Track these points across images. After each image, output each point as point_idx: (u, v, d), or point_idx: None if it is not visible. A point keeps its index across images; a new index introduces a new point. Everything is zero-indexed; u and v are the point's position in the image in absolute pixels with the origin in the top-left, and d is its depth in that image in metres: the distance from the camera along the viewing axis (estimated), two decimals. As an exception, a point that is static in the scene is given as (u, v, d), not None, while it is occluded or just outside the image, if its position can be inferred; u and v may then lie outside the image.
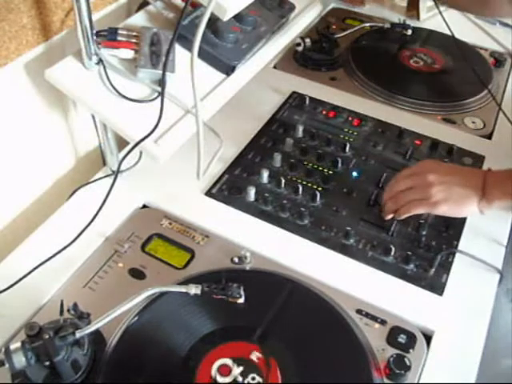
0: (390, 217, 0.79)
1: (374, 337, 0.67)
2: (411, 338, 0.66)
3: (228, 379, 0.61)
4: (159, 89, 0.73)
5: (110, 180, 0.78)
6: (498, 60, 1.17)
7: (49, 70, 0.73)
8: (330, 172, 0.88)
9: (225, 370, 0.62)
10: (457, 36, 1.15)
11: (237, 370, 0.62)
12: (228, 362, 0.62)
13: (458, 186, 0.75)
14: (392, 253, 0.76)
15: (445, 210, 0.76)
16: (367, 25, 1.25)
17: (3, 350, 0.54)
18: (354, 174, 0.89)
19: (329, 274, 0.73)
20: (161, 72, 0.71)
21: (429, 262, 0.75)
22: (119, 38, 0.77)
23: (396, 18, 1.28)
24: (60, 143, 0.88)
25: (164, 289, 0.64)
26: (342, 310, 0.69)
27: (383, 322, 0.68)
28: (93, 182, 0.84)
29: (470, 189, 0.74)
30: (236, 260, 0.74)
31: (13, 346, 0.54)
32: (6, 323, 0.66)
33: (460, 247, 0.78)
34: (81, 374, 0.60)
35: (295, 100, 1.04)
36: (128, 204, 0.81)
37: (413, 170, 0.80)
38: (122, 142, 0.81)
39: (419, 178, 0.77)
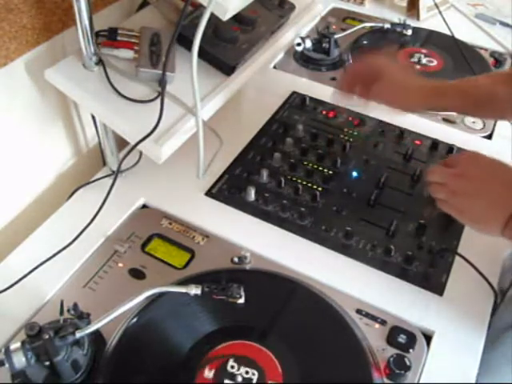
0: None
1: (373, 337, 0.67)
2: (411, 338, 0.66)
3: (228, 379, 0.61)
4: (159, 89, 0.73)
5: (109, 180, 0.77)
6: (498, 60, 1.18)
7: (49, 70, 0.73)
8: (330, 172, 0.88)
9: (224, 372, 0.62)
10: (457, 36, 1.15)
11: (237, 370, 0.62)
12: (227, 362, 0.62)
13: (482, 202, 0.65)
14: (392, 253, 0.76)
15: (466, 223, 0.69)
16: (367, 25, 1.25)
17: (3, 350, 0.54)
18: (354, 174, 0.89)
19: (329, 274, 0.73)
20: (161, 72, 0.71)
21: (429, 262, 0.75)
22: (119, 38, 0.77)
23: (396, 17, 1.28)
24: (60, 143, 0.88)
25: (164, 289, 0.64)
26: (342, 310, 0.69)
27: (383, 322, 0.68)
28: (93, 181, 0.84)
29: (495, 211, 0.64)
30: (236, 260, 0.74)
31: (13, 346, 0.54)
32: (6, 323, 0.66)
33: (460, 247, 0.78)
34: (81, 374, 0.60)
35: (295, 100, 1.04)
36: (128, 204, 0.81)
37: (453, 162, 0.70)
38: (122, 142, 0.81)
39: (452, 178, 0.69)
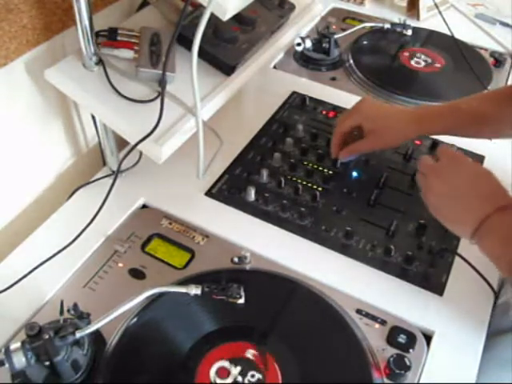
0: None
1: (373, 337, 0.67)
2: (411, 338, 0.66)
3: (228, 380, 0.61)
4: (159, 89, 0.73)
5: (109, 180, 0.77)
6: (498, 60, 1.18)
7: (49, 69, 0.73)
8: (330, 172, 0.88)
9: (224, 372, 0.62)
10: (457, 36, 1.15)
11: (236, 370, 0.62)
12: (227, 363, 0.62)
13: (455, 205, 0.66)
14: (392, 253, 0.76)
15: (439, 220, 0.69)
16: (367, 25, 1.25)
17: (3, 350, 0.54)
18: (354, 174, 0.89)
19: (329, 274, 0.73)
20: (161, 72, 0.71)
21: (429, 262, 0.75)
22: (119, 38, 0.77)
23: (396, 17, 1.28)
24: (60, 143, 0.88)
25: (164, 289, 0.64)
26: (342, 309, 0.69)
27: (383, 322, 0.68)
28: (93, 181, 0.84)
29: (466, 217, 0.65)
30: (236, 260, 0.74)
31: (13, 346, 0.54)
32: (6, 323, 0.66)
33: (460, 248, 0.78)
34: (81, 374, 0.60)
35: (295, 100, 1.04)
36: (128, 204, 0.81)
37: (439, 155, 0.72)
38: (122, 142, 0.81)
39: (432, 174, 0.70)
